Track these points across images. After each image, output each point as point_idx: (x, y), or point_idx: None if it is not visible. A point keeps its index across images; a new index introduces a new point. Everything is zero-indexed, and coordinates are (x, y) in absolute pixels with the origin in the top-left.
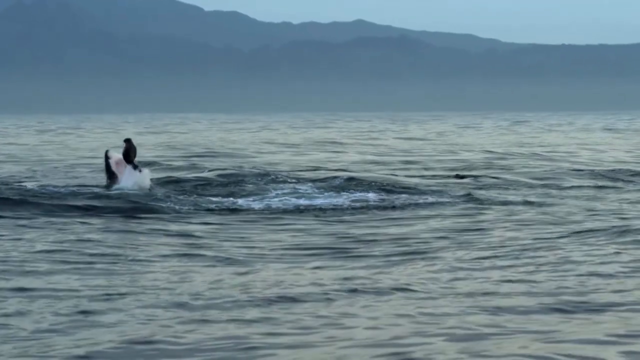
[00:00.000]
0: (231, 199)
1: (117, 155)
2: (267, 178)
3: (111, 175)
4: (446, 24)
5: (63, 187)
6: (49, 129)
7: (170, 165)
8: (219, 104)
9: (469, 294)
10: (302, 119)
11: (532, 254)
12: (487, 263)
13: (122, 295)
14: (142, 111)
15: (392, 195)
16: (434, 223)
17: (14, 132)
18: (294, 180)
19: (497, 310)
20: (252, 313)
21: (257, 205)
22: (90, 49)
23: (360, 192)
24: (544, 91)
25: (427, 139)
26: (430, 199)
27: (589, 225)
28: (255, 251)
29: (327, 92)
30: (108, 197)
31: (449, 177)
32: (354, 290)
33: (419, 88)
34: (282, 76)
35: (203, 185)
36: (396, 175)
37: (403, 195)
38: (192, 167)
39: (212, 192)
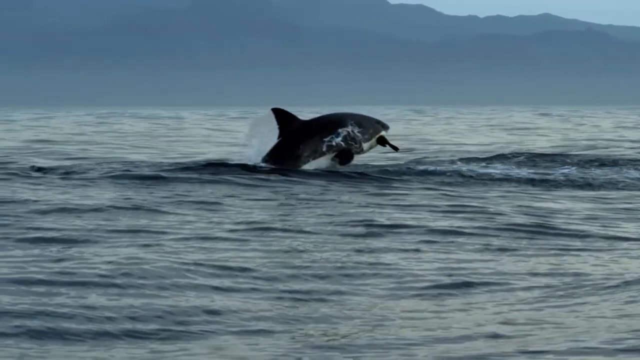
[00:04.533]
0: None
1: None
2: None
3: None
4: (634, 17)
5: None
6: None
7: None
8: (403, 96)
9: None
10: (491, 111)
11: None
12: None
13: None
14: (327, 104)
15: None
16: None
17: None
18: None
19: None
20: None
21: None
22: (275, 41)
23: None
24: None
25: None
26: None
27: None
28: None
29: (513, 85)
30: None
31: None
32: None
33: (606, 82)
34: (469, 70)
35: None
36: None
37: None
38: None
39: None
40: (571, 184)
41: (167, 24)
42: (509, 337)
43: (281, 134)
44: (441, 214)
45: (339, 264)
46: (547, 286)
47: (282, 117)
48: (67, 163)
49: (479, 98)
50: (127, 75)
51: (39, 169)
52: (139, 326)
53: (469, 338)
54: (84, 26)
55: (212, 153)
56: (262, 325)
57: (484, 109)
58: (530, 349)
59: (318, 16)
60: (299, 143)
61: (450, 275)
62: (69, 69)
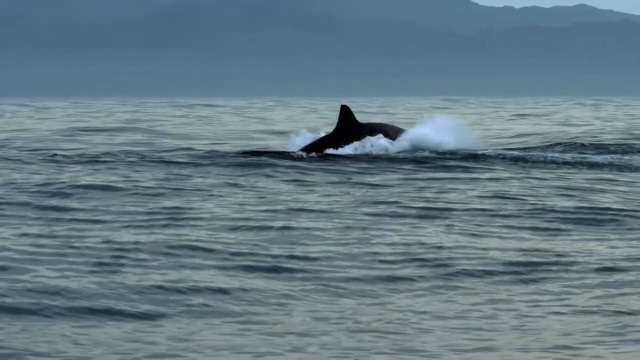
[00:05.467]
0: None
1: None
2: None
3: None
4: None
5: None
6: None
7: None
8: (438, 87)
9: None
10: (527, 102)
11: None
12: None
13: None
14: (367, 95)
15: None
16: None
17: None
18: None
19: None
20: None
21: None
22: (310, 32)
23: None
24: None
25: None
26: None
27: None
28: None
29: (548, 76)
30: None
31: None
32: None
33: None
34: (504, 61)
35: None
36: None
37: None
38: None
39: None
40: (612, 168)
41: (203, 15)
42: (519, 328)
43: (337, 129)
44: (474, 198)
45: (362, 245)
46: (566, 271)
47: (346, 116)
48: (100, 149)
49: (515, 89)
50: (162, 67)
51: (65, 156)
52: (154, 305)
53: (479, 328)
54: (120, 17)
55: (245, 140)
56: (280, 304)
57: (521, 99)
58: (538, 344)
59: (353, 7)
60: (344, 142)
61: (477, 258)
62: (103, 60)
